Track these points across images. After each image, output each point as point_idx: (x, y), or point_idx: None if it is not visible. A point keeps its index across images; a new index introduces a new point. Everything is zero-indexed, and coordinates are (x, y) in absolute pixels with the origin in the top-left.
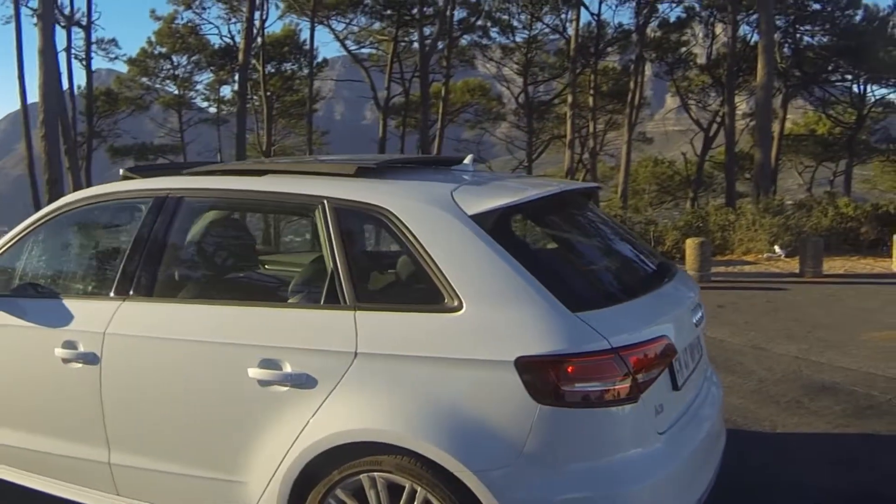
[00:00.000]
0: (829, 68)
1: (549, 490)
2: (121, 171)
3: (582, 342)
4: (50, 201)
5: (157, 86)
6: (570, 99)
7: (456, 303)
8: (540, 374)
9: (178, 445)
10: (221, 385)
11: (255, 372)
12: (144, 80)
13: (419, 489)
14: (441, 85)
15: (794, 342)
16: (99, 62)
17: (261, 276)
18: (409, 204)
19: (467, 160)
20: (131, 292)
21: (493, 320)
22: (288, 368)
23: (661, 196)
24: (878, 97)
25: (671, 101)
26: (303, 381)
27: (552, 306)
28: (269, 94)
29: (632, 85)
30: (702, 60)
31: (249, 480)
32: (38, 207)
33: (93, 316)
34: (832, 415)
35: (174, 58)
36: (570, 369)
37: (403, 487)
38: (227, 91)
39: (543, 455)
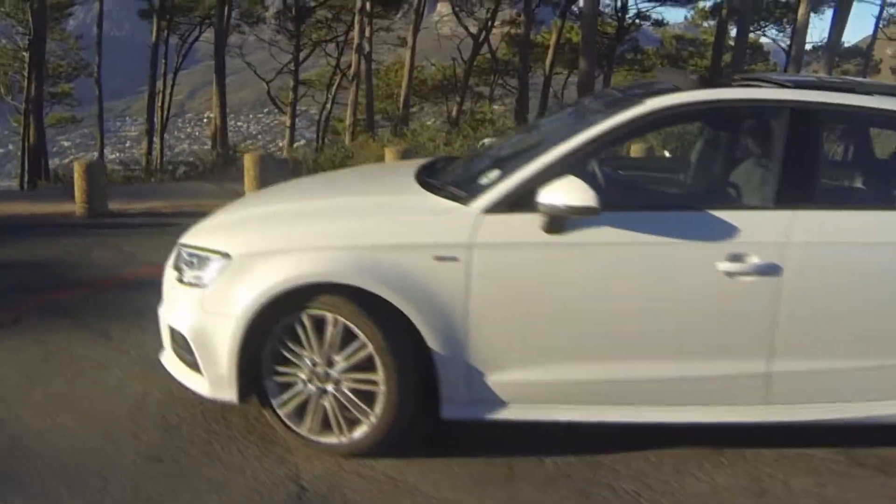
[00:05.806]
0: None
1: None
2: (734, 77)
3: None
4: None
5: None
6: (358, 4)
7: None
8: None
9: (880, 340)
10: None
11: None
12: None
13: None
14: None
15: None
16: None
17: None
18: None
19: None
20: (800, 201)
21: None
22: None
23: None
24: (638, 9)
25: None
26: None
27: None
28: None
29: None
30: None
31: None
32: None
33: (755, 226)
34: None
35: None
36: None
37: None
38: None
39: None
